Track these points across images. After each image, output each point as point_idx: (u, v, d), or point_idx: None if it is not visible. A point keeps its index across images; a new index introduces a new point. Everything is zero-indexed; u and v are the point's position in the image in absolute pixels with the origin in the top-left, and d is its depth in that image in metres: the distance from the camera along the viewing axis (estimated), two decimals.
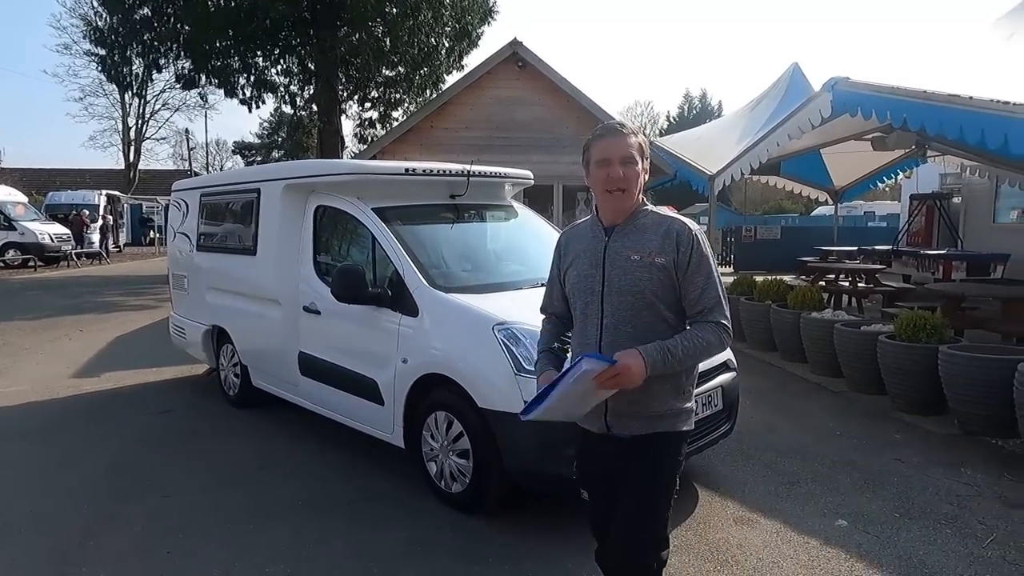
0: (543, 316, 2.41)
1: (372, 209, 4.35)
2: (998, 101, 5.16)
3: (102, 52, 17.93)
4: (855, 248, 13.24)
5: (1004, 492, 3.88)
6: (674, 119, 48.35)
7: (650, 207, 2.16)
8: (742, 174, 8.83)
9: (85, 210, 24.00)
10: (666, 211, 2.15)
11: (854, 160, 11.21)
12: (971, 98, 5.28)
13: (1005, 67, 6.30)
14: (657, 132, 45.38)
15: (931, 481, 4.04)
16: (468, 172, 4.65)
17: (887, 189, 23.73)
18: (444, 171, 4.62)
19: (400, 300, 3.96)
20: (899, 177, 12.77)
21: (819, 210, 27.71)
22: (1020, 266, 9.51)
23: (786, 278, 8.66)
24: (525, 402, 2.11)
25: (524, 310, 3.70)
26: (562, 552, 3.25)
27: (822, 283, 10.30)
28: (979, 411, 4.69)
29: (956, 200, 13.00)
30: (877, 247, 13.21)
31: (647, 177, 2.12)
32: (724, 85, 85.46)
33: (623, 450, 2.12)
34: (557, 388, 1.96)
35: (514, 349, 3.42)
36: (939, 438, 4.78)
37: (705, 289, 2.06)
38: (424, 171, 4.54)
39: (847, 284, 10.16)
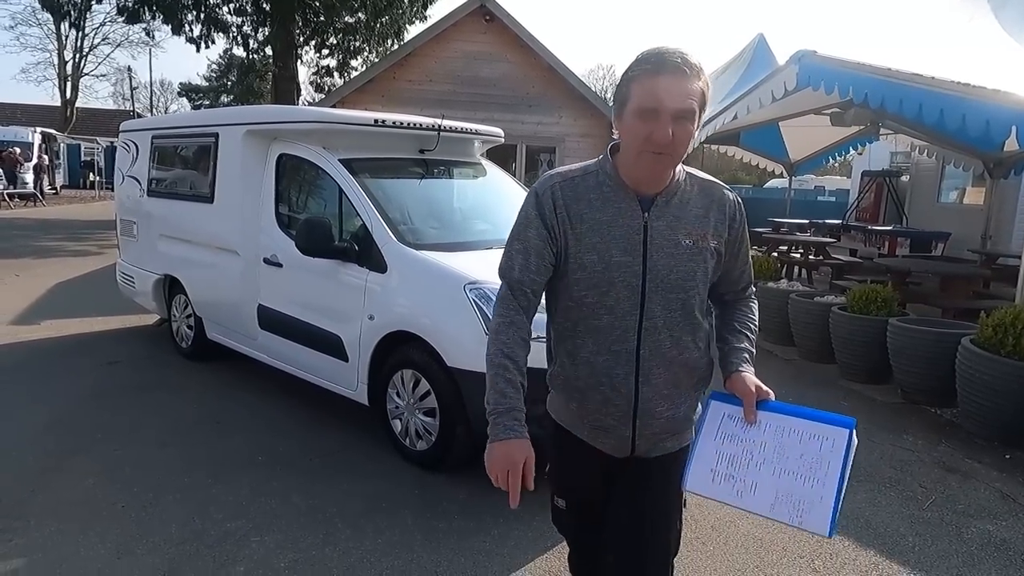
0: (508, 291, 1.68)
1: (339, 160, 4.21)
2: (958, 82, 5.30)
3: None
4: (806, 221, 13.58)
5: (942, 458, 4.10)
6: None
7: (684, 168, 1.65)
8: (703, 142, 8.90)
9: (16, 148, 22.51)
10: (700, 173, 1.69)
11: (810, 135, 11.40)
12: (933, 78, 5.39)
13: (965, 48, 6.46)
14: None
15: (876, 447, 4.24)
16: (439, 126, 4.54)
17: (836, 165, 24.36)
18: (414, 124, 4.50)
19: (367, 255, 3.87)
20: (850, 154, 13.08)
21: (771, 182, 28.28)
22: (959, 244, 9.94)
23: None
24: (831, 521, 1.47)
25: (494, 270, 3.67)
26: (525, 508, 3.27)
27: (775, 254, 10.56)
28: (922, 381, 4.92)
29: (904, 178, 13.41)
30: (827, 221, 13.58)
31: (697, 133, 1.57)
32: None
33: (638, 470, 1.74)
34: (843, 468, 1.49)
35: (486, 309, 3.38)
36: (883, 406, 5.01)
37: (750, 264, 1.79)
38: (394, 123, 4.41)
39: (799, 256, 10.44)
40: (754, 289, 1.86)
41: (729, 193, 1.69)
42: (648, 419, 1.67)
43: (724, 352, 1.73)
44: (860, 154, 13.49)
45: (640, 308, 1.59)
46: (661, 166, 1.55)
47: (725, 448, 1.56)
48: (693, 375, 1.71)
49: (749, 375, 1.62)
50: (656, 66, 1.48)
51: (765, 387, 1.60)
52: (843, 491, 1.48)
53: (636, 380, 1.62)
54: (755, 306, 1.84)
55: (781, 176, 14.28)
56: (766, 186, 30.41)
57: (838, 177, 28.22)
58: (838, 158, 13.65)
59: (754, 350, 1.74)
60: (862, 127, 9.23)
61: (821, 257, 10.07)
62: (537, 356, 2.60)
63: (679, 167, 1.62)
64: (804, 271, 10.08)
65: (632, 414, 1.66)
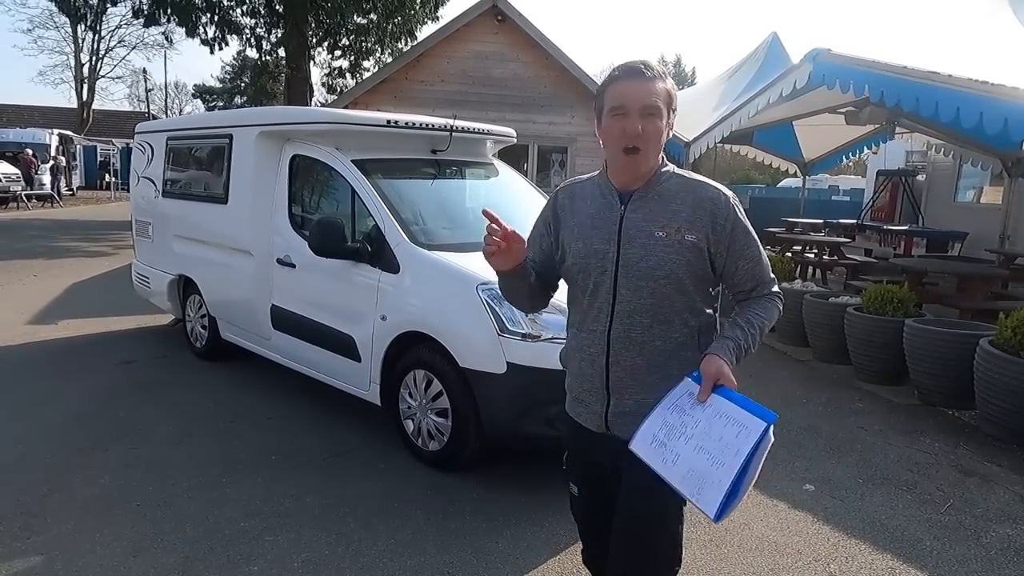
0: None
1: (352, 161, 4.22)
2: (975, 80, 5.23)
3: None
4: (821, 221, 13.46)
5: (960, 461, 4.05)
6: None
7: (673, 168, 1.79)
8: (717, 142, 8.83)
9: (29, 149, 22.60)
10: (694, 175, 1.80)
11: (824, 133, 11.29)
12: (950, 76, 5.33)
13: (983, 45, 6.38)
14: None
15: (892, 449, 4.19)
16: (451, 127, 4.54)
17: (851, 164, 24.16)
18: (426, 124, 4.50)
19: (380, 256, 3.87)
20: (865, 153, 12.92)
21: (785, 182, 28.10)
22: (976, 244, 9.81)
23: None
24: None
25: None
26: (538, 509, 3.29)
27: (788, 254, 10.48)
28: (939, 383, 4.86)
29: (920, 178, 13.25)
30: (842, 221, 13.45)
31: (671, 133, 1.73)
32: (698, 53, 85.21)
33: (623, 452, 1.76)
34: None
35: (498, 309, 3.38)
36: (900, 408, 4.95)
37: (757, 265, 1.77)
38: (406, 123, 4.41)
39: (813, 256, 10.35)
40: (775, 290, 1.83)
41: (720, 192, 1.75)
42: (618, 398, 1.79)
43: (715, 339, 1.78)
44: (875, 153, 13.34)
45: (613, 293, 1.75)
46: (635, 163, 1.71)
47: (670, 418, 1.66)
48: (669, 365, 1.76)
49: (718, 358, 1.67)
50: (622, 72, 1.69)
51: (732, 377, 1.64)
52: (747, 483, 1.55)
53: (607, 359, 1.78)
54: (769, 304, 1.81)
55: (795, 175, 14.18)
56: (780, 185, 30.24)
57: (853, 176, 27.99)
58: (853, 157, 13.50)
59: (748, 342, 1.74)
60: (877, 126, 9.14)
61: (836, 257, 9.99)
62: (553, 358, 2.65)
63: (669, 167, 1.78)
64: (819, 271, 9.99)
65: (604, 391, 1.81)
